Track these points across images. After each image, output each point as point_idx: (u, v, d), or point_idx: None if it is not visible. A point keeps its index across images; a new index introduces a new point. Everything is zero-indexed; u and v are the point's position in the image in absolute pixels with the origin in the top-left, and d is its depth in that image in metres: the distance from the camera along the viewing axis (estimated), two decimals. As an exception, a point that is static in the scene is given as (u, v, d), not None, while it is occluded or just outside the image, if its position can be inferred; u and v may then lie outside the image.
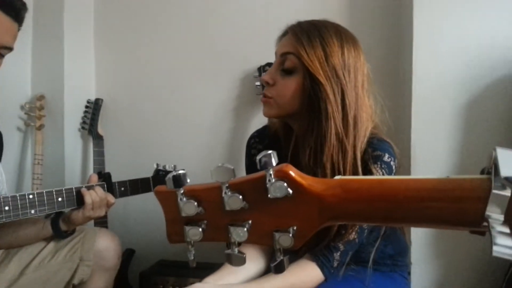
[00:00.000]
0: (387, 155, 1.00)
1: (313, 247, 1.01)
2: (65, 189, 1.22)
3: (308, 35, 0.99)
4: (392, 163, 1.00)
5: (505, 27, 1.36)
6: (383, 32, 1.66)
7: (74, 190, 1.24)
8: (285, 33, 1.06)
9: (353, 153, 0.99)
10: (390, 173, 1.00)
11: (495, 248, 0.34)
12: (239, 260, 0.44)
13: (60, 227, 1.26)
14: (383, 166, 0.99)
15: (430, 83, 1.42)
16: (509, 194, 0.35)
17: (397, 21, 1.63)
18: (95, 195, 1.23)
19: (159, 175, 1.53)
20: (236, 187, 0.42)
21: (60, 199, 1.20)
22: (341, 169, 0.98)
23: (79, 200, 1.23)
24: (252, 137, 1.24)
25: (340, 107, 0.98)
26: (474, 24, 1.38)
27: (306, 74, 0.98)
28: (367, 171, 0.99)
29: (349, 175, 0.98)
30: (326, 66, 0.97)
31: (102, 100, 1.99)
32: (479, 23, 1.37)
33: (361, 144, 1.00)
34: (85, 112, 1.98)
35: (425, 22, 1.41)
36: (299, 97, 1.00)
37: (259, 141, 1.22)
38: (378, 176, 0.96)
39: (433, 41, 1.41)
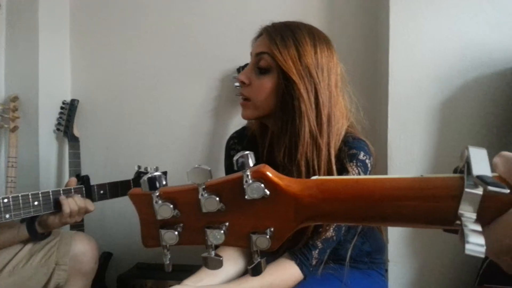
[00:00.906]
0: (362, 153, 1.01)
1: (291, 246, 1.02)
2: (42, 193, 1.19)
3: (282, 35, 1.01)
4: (367, 161, 1.02)
5: (477, 30, 1.39)
6: (361, 35, 1.68)
7: (51, 193, 1.21)
8: (259, 34, 1.08)
9: (327, 151, 1.00)
10: (365, 171, 1.01)
11: (467, 246, 0.34)
12: (216, 263, 0.43)
13: (36, 229, 1.23)
14: (358, 164, 1.00)
15: (405, 85, 1.44)
16: (481, 193, 0.36)
17: (374, 24, 1.65)
18: (73, 204, 1.20)
19: (140, 178, 1.50)
20: (212, 189, 0.41)
21: (36, 203, 1.17)
22: (316, 167, 0.99)
23: (56, 205, 1.20)
24: (231, 138, 1.25)
25: (313, 106, 0.99)
26: (448, 28, 1.41)
27: (280, 73, 1.00)
28: (343, 169, 1.01)
29: (324, 173, 1.00)
30: (299, 65, 0.99)
31: (78, 101, 1.95)
32: (453, 27, 1.41)
33: (335, 142, 1.02)
34: (61, 113, 1.94)
35: (401, 26, 1.43)
36: (274, 96, 1.02)
37: (238, 142, 1.22)
38: (354, 176, 0.97)
39: (409, 44, 1.43)
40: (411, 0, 1.43)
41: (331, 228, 1.01)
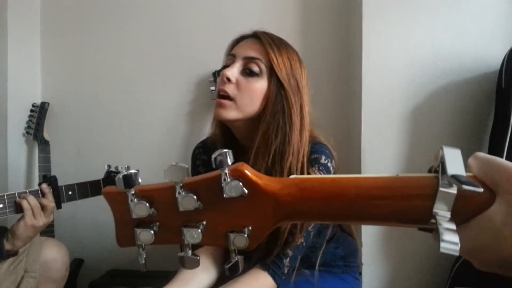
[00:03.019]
0: (323, 157, 1.03)
1: (263, 256, 1.02)
2: (7, 195, 1.15)
3: (278, 46, 1.03)
4: (329, 164, 1.03)
5: (447, 39, 1.43)
6: (334, 44, 1.71)
7: (16, 195, 1.18)
8: (247, 37, 1.08)
9: (303, 157, 1.02)
10: (328, 174, 1.02)
11: (442, 244, 0.35)
12: (193, 263, 0.43)
13: (4, 246, 1.19)
14: (320, 168, 1.02)
15: (378, 92, 1.47)
16: (455, 192, 0.37)
17: (347, 33, 1.68)
18: (33, 201, 1.17)
19: (111, 177, 1.47)
20: (190, 187, 0.41)
21: (1, 205, 1.13)
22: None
23: (17, 207, 1.17)
24: (197, 147, 1.24)
25: (299, 117, 1.02)
26: (419, 37, 1.45)
27: (274, 81, 1.01)
28: (306, 174, 1.02)
29: None
30: (291, 78, 1.02)
31: (48, 103, 1.90)
32: (424, 36, 1.45)
33: (306, 149, 1.03)
34: (30, 116, 1.88)
35: (374, 35, 1.46)
36: (261, 101, 1.02)
37: (203, 151, 1.21)
38: (332, 175, 0.98)
39: (381, 53, 1.47)
40: (383, 10, 1.46)
41: (300, 235, 1.01)
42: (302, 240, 1.01)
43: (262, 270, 1.00)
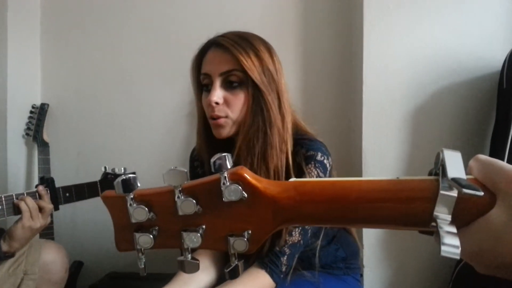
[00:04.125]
0: (319, 154, 1.02)
1: (261, 255, 1.02)
2: (5, 196, 1.15)
3: (243, 46, 1.01)
4: (325, 161, 1.03)
5: (448, 40, 1.43)
6: (335, 45, 1.71)
7: (14, 197, 1.17)
8: (207, 47, 1.06)
9: (286, 153, 1.02)
10: (325, 171, 1.02)
11: (443, 248, 0.35)
12: (193, 267, 0.42)
13: (1, 247, 1.18)
14: (317, 165, 1.01)
15: (379, 93, 1.47)
16: (456, 195, 0.36)
17: (349, 34, 1.68)
18: (31, 203, 1.17)
19: (108, 179, 1.47)
20: (189, 191, 0.41)
21: (-1, 207, 1.13)
22: (281, 174, 1.00)
23: (16, 209, 1.17)
24: (194, 149, 1.24)
25: (278, 113, 1.02)
26: (420, 37, 1.45)
27: (250, 86, 1.00)
28: (301, 172, 1.01)
29: (285, 178, 1.01)
30: (263, 75, 1.01)
31: (48, 105, 1.90)
32: (425, 36, 1.44)
33: (290, 145, 1.03)
34: (30, 117, 1.88)
35: (375, 35, 1.46)
36: (246, 108, 1.02)
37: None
38: (332, 178, 0.98)
39: (382, 53, 1.46)
40: (385, 10, 1.46)
41: (297, 233, 1.01)
42: (300, 238, 1.02)
43: (260, 269, 1.00)
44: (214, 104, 1.01)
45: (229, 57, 1.00)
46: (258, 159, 1.00)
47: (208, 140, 1.11)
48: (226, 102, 1.02)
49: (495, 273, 0.39)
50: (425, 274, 1.49)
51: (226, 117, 1.02)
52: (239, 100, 1.01)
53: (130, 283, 1.68)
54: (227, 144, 1.06)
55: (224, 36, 1.05)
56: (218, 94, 1.01)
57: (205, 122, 1.09)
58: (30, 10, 1.92)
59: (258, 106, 1.00)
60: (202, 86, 1.07)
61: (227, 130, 1.04)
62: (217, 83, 1.02)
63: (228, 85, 1.02)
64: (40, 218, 1.18)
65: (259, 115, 1.00)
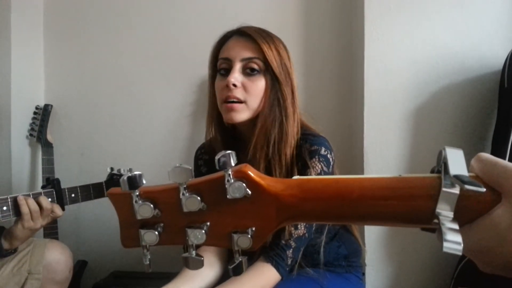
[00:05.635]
0: (323, 149, 1.05)
1: (266, 249, 1.03)
2: (10, 197, 1.15)
3: (267, 39, 1.05)
4: (329, 155, 1.05)
5: (449, 39, 1.44)
6: (336, 45, 1.71)
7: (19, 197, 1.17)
8: (230, 35, 1.10)
9: (295, 143, 1.06)
10: (328, 165, 1.04)
11: (445, 244, 0.35)
12: (197, 263, 0.43)
13: (2, 244, 1.19)
14: (321, 159, 1.03)
15: (380, 92, 1.47)
16: (458, 192, 0.37)
17: (349, 34, 1.68)
18: (33, 204, 1.16)
19: (113, 180, 1.47)
20: (194, 188, 0.41)
21: (5, 208, 1.13)
22: (290, 166, 1.04)
23: (18, 212, 1.16)
24: (199, 148, 1.26)
25: (293, 107, 1.06)
26: (421, 37, 1.45)
27: (270, 75, 1.04)
28: (305, 166, 1.03)
29: (287, 171, 1.04)
30: (282, 69, 1.05)
31: (51, 106, 1.90)
32: (426, 36, 1.45)
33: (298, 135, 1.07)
34: (34, 118, 1.89)
35: (376, 35, 1.47)
36: (264, 97, 1.05)
37: (205, 151, 1.23)
38: (335, 175, 0.99)
39: (383, 53, 1.47)
40: (385, 10, 1.46)
41: (303, 226, 1.03)
42: (305, 231, 1.03)
43: (265, 262, 1.01)
44: (232, 86, 1.03)
45: (252, 45, 1.04)
46: (274, 148, 1.03)
47: (220, 127, 1.13)
48: (244, 87, 1.04)
49: (498, 272, 0.39)
50: (427, 272, 1.49)
51: (243, 102, 1.04)
52: (258, 87, 1.04)
53: (134, 282, 1.69)
54: (237, 133, 1.11)
55: (249, 26, 1.09)
56: (236, 77, 1.03)
57: (217, 109, 1.11)
58: (33, 12, 1.93)
59: (276, 96, 1.04)
60: (217, 71, 1.10)
61: (240, 116, 1.05)
62: (237, 67, 1.04)
63: (247, 72, 1.05)
64: (40, 219, 1.18)
65: (277, 105, 1.04)
